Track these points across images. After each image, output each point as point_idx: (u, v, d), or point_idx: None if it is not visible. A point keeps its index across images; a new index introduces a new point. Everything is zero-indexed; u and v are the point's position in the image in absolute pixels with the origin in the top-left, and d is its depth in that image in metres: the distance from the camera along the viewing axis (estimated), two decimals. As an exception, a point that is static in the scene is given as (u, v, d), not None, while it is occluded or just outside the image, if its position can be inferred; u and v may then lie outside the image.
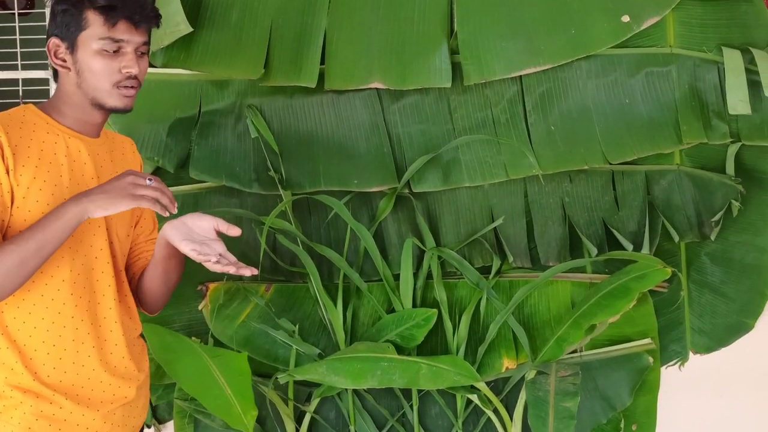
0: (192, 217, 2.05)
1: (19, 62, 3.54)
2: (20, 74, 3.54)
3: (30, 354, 1.95)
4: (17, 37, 3.53)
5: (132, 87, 2.03)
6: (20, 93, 3.52)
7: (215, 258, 1.96)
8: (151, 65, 3.10)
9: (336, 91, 3.35)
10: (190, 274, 3.28)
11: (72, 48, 1.99)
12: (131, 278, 2.29)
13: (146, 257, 2.31)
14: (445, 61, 3.26)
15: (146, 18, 2.03)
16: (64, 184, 1.98)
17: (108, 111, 2.06)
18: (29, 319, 1.94)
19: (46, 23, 3.42)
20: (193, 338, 3.21)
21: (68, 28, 1.99)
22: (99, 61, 1.98)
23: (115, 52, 1.99)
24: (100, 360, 2.04)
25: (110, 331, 2.08)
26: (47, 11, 3.42)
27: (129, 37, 2.00)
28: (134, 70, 2.01)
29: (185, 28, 3.12)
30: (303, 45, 3.28)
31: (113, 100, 2.02)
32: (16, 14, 3.59)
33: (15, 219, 1.91)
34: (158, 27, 2.11)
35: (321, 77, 3.28)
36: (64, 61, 2.01)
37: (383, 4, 3.32)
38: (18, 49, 3.54)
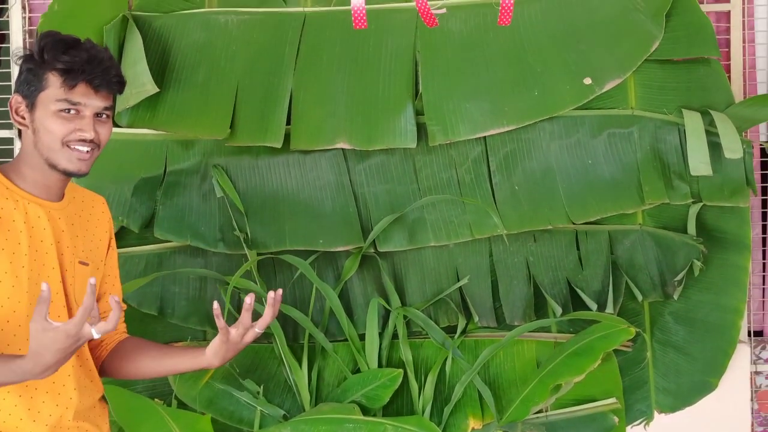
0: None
1: (-17, 121, 3.53)
2: (-15, 133, 3.53)
3: None
4: (-18, 95, 3.52)
5: (87, 151, 1.99)
6: (-15, 152, 3.50)
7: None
8: (116, 125, 3.14)
9: (302, 151, 3.36)
10: (153, 335, 3.29)
11: (31, 106, 1.98)
12: (97, 356, 2.25)
13: (110, 339, 2.27)
14: (410, 122, 3.29)
15: (107, 83, 2.01)
16: (22, 252, 1.94)
17: (62, 173, 2.01)
18: None
19: (11, 83, 3.46)
20: (156, 400, 3.17)
21: (29, 87, 1.98)
22: (54, 122, 1.95)
23: (73, 113, 1.97)
24: (54, 427, 1.99)
25: (69, 399, 2.03)
26: (12, 71, 3.45)
27: (87, 100, 1.98)
28: (88, 135, 1.98)
29: (151, 89, 3.12)
30: (269, 105, 3.30)
31: (65, 162, 1.98)
32: (-18, 73, 3.58)
33: None
34: (121, 93, 2.11)
35: (287, 137, 3.29)
36: (24, 118, 2.00)
37: (349, 65, 3.35)
38: (-18, 108, 3.53)
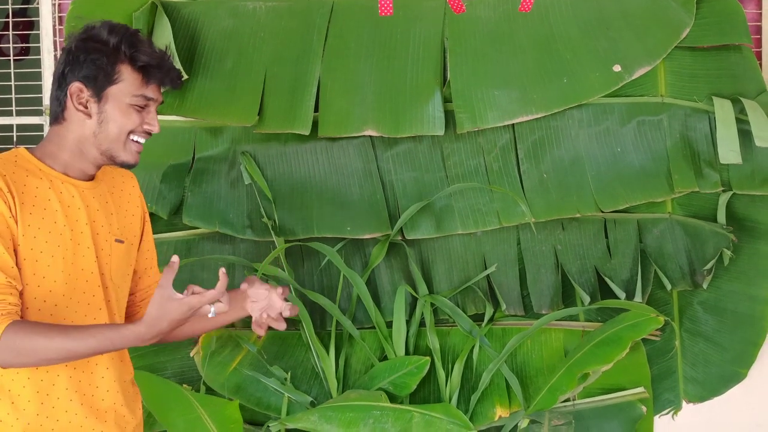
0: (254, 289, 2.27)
1: (13, 108, 3.55)
2: (15, 120, 3.55)
3: (23, 405, 1.93)
4: (12, 83, 3.54)
5: (142, 143, 2.09)
6: (14, 139, 3.52)
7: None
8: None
9: (329, 139, 3.36)
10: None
11: (99, 98, 2.02)
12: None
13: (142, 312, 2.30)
14: (438, 110, 3.28)
15: (172, 80, 2.12)
16: (57, 231, 1.97)
17: (117, 164, 2.10)
18: (22, 370, 1.93)
19: (41, 69, 3.48)
20: (185, 385, 3.19)
21: (96, 78, 2.01)
22: (128, 115, 2.03)
23: (142, 107, 2.06)
24: (91, 408, 2.02)
25: (101, 378, 2.06)
26: (42, 57, 3.47)
27: (156, 96, 2.09)
28: (155, 129, 2.09)
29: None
30: (297, 93, 3.30)
31: (125, 155, 2.07)
32: (11, 60, 3.60)
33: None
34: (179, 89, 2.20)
35: (315, 125, 3.29)
36: (86, 108, 2.02)
37: (377, 52, 3.35)
38: (13, 95, 3.55)
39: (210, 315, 1.86)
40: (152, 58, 2.05)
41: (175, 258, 1.83)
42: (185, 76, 3.15)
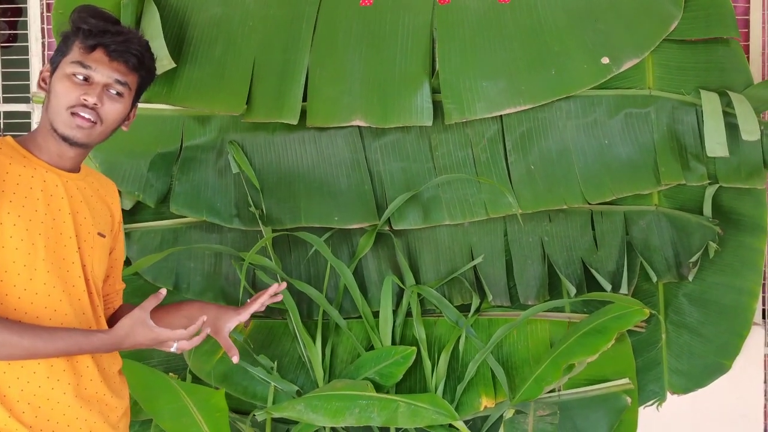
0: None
1: (0, 95, 3.53)
2: (2, 107, 3.54)
3: (4, 391, 1.92)
4: (-1, 69, 3.54)
5: (88, 119, 2.00)
6: (1, 126, 3.51)
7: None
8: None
9: (317, 128, 3.36)
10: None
11: (53, 71, 2.02)
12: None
13: (113, 306, 2.36)
14: (426, 100, 3.28)
15: (123, 53, 2.03)
16: (39, 219, 1.96)
17: (60, 139, 2.02)
18: None
19: (29, 56, 3.47)
20: (171, 374, 3.19)
21: (57, 54, 2.03)
22: (64, 85, 1.98)
23: (83, 81, 1.99)
24: (75, 396, 2.01)
25: (86, 367, 2.06)
26: (30, 44, 3.46)
27: (99, 67, 2.00)
28: (90, 99, 1.99)
29: (168, 64, 3.13)
30: (285, 82, 3.30)
31: (63, 127, 2.00)
32: (-1, 47, 3.59)
33: None
34: (136, 71, 2.10)
35: (303, 114, 3.29)
36: (45, 83, 2.04)
37: (366, 42, 3.35)
38: (0, 82, 3.53)
39: (172, 349, 2.01)
40: (98, 25, 2.00)
41: (163, 290, 2.00)
42: (173, 65, 3.14)
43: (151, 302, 1.96)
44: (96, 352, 1.94)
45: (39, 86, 2.07)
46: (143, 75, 2.13)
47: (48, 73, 2.04)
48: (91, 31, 1.99)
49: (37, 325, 1.90)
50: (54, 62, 2.04)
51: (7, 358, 1.88)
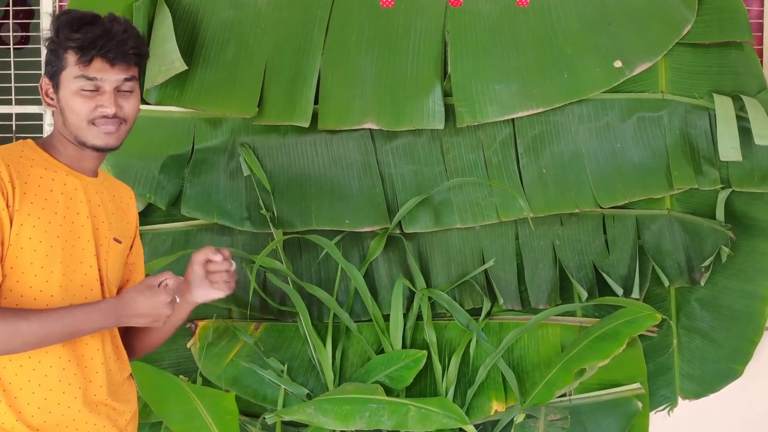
0: (191, 269, 2.29)
1: (13, 97, 3.55)
2: (14, 109, 3.55)
3: (15, 393, 1.92)
4: (12, 72, 3.54)
5: (113, 125, 2.01)
6: (14, 128, 3.52)
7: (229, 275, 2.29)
8: (145, 102, 3.15)
9: (329, 131, 3.36)
10: (179, 312, 3.30)
11: (56, 87, 2.00)
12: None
13: None
14: (438, 103, 3.27)
15: (122, 55, 2.00)
16: (57, 222, 1.96)
17: (92, 149, 2.04)
18: (15, 358, 1.92)
19: (41, 58, 3.47)
20: (181, 377, 3.20)
21: (53, 68, 2.00)
22: (76, 101, 1.97)
23: (93, 90, 1.99)
24: (84, 401, 2.01)
25: (96, 373, 2.05)
26: (42, 47, 3.46)
27: (104, 75, 1.99)
28: (109, 110, 1.99)
29: (180, 66, 3.13)
30: (297, 84, 3.30)
31: (93, 138, 2.00)
32: (11, 49, 3.59)
33: (6, 254, 1.90)
34: (140, 65, 2.10)
35: (314, 117, 3.29)
36: (52, 99, 2.03)
37: (378, 45, 3.34)
38: (12, 84, 3.55)
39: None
40: (87, 37, 1.96)
41: (169, 280, 2.02)
42: (185, 67, 3.14)
43: (164, 275, 1.99)
44: (104, 319, 1.94)
45: (45, 102, 2.05)
46: (143, 60, 2.13)
47: (50, 88, 2.02)
48: (82, 46, 1.97)
49: (39, 309, 1.90)
50: (51, 75, 2.01)
51: (23, 349, 1.87)
